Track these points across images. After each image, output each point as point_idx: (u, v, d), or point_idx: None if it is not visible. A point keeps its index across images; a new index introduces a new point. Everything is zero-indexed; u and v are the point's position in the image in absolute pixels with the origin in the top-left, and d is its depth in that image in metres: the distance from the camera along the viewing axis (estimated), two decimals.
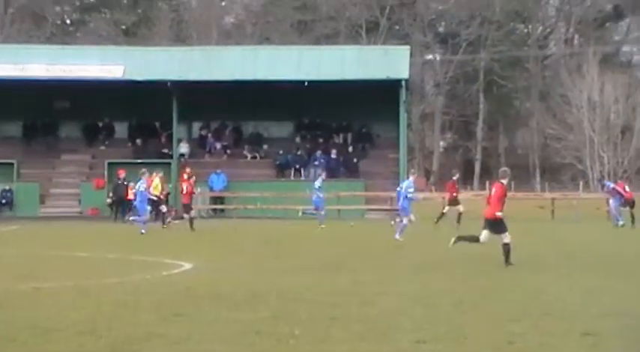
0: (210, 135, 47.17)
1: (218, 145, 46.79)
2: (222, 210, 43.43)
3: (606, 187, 37.15)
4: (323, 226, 32.51)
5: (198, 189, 39.03)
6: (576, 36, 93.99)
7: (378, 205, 42.94)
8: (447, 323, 10.36)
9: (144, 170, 31.64)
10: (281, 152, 45.38)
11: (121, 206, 39.69)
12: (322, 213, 34.39)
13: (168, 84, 42.55)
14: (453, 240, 18.54)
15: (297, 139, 46.56)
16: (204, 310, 11.37)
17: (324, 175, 37.44)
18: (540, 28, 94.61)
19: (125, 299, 12.43)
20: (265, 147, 46.32)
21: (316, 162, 44.33)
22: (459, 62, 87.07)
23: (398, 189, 28.30)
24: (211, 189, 43.02)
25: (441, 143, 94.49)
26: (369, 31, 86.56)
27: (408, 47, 50.16)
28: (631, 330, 9.96)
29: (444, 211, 33.90)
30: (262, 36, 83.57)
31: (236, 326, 10.10)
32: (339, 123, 47.21)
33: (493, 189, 18.44)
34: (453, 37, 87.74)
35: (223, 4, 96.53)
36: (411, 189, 26.23)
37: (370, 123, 46.64)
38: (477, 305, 11.86)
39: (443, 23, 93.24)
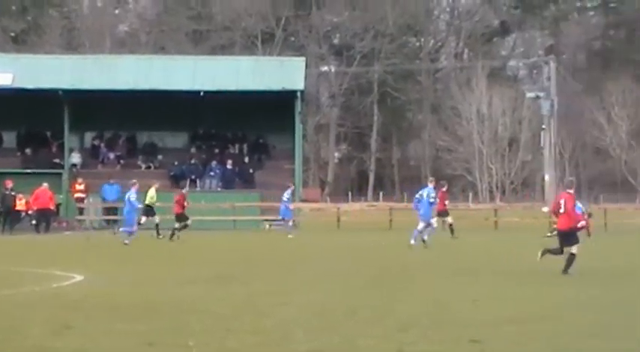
0: (103, 144, 46.50)
1: (111, 155, 46.14)
2: (115, 222, 42.80)
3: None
4: (291, 236, 33.15)
5: (90, 200, 38.45)
6: (466, 50, 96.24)
7: (274, 216, 43.02)
8: (341, 333, 10.48)
9: (134, 180, 31.24)
10: (176, 162, 45.05)
11: (9, 217, 38.74)
12: (290, 223, 35.67)
13: (60, 92, 41.78)
14: (539, 253, 18.29)
15: (193, 150, 46.31)
16: (96, 322, 11.23)
17: (292, 187, 38.37)
18: (432, 41, 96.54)
19: (14, 312, 12.18)
20: (160, 157, 45.90)
21: (211, 173, 44.17)
22: (353, 74, 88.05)
23: (417, 196, 28.78)
24: (104, 200, 42.38)
25: (336, 154, 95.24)
26: (265, 42, 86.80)
27: (303, 58, 50.52)
28: (517, 336, 10.26)
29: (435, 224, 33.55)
30: (157, 45, 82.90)
31: (129, 338, 10.02)
32: (234, 134, 47.16)
33: (562, 200, 17.90)
34: (348, 50, 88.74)
35: (117, 12, 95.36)
36: (433, 194, 27.67)
37: (266, 134, 46.74)
38: (371, 315, 12.03)
39: (338, 35, 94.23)
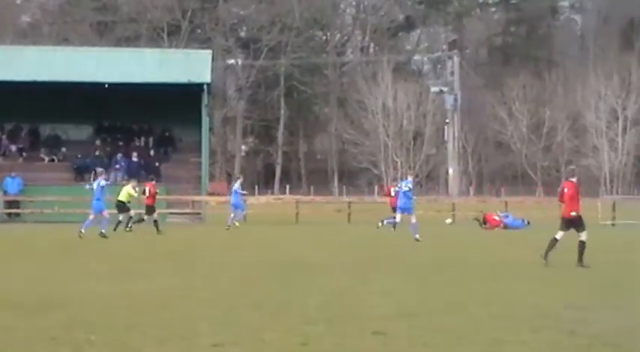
0: (4, 137, 45.44)
1: (13, 148, 45.13)
2: (17, 215, 41.91)
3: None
4: (237, 224, 34.06)
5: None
6: (372, 44, 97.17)
7: (180, 209, 42.73)
8: (245, 326, 10.54)
9: (101, 169, 32.06)
10: (80, 155, 44.32)
11: None
12: (241, 213, 36.61)
13: None
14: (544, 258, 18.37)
15: (97, 142, 45.64)
16: None
17: (241, 178, 39.59)
18: (338, 35, 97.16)
19: None
20: (63, 150, 45.08)
21: (117, 166, 43.60)
22: (260, 67, 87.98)
23: (397, 188, 28.57)
24: (5, 193, 41.48)
25: (243, 147, 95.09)
26: (171, 34, 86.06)
27: (209, 51, 50.21)
28: (420, 328, 10.47)
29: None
30: (60, 36, 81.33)
31: (29, 334, 9.89)
32: (140, 127, 46.65)
33: (565, 189, 18.68)
34: (255, 43, 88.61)
35: (19, 2, 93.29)
36: (410, 186, 27.24)
37: (172, 127, 46.35)
38: (276, 308, 12.10)
39: (244, 28, 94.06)
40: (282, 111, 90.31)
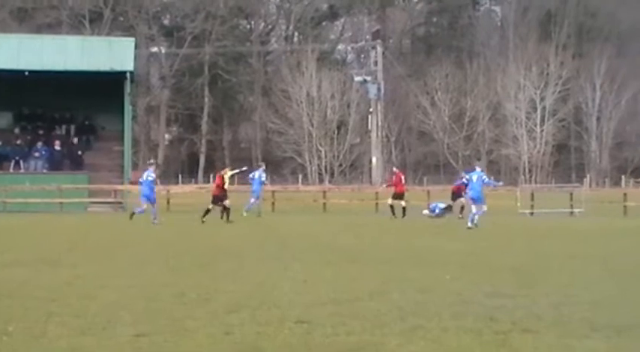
0: None
1: None
2: None
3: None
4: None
5: None
6: (296, 33, 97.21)
7: (102, 198, 42.25)
8: (168, 316, 10.49)
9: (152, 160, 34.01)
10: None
11: None
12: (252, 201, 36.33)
13: None
14: None
15: (17, 130, 44.79)
16: None
17: (263, 166, 39.16)
18: (262, 24, 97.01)
19: None
20: None
21: (37, 154, 42.88)
22: (184, 56, 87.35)
23: (465, 180, 29.61)
24: None
25: (167, 136, 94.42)
26: (93, 22, 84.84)
27: (132, 39, 49.64)
28: (342, 316, 10.55)
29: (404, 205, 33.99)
30: None
31: None
32: (61, 115, 45.93)
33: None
34: (178, 31, 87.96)
35: None
36: (484, 176, 28.83)
37: (94, 115, 45.74)
38: (198, 298, 12.06)
39: (168, 16, 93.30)
40: (207, 100, 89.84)
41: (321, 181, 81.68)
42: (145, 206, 31.30)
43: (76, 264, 16.54)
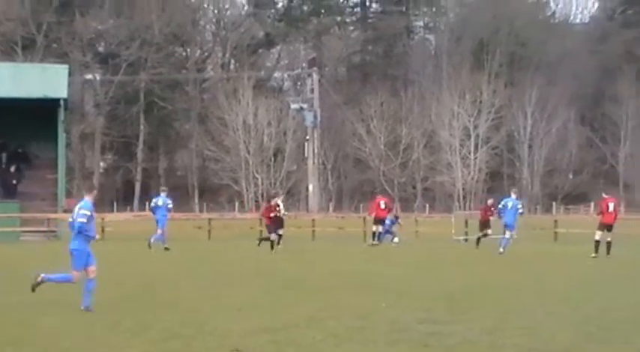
0: None
1: None
2: None
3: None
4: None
5: None
6: (232, 61, 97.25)
7: (35, 227, 41.59)
8: (104, 344, 10.44)
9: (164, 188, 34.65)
10: None
11: None
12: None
13: None
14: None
15: None
16: None
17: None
18: (198, 51, 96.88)
19: None
20: None
21: None
22: (119, 83, 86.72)
23: (500, 206, 29.69)
24: None
25: (102, 163, 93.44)
26: (26, 48, 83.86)
27: (66, 66, 49.11)
28: (277, 343, 10.60)
29: (481, 235, 33.18)
30: None
31: None
32: None
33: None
34: (113, 58, 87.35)
35: None
36: (519, 205, 29.75)
37: (27, 143, 45.03)
38: (134, 326, 12.01)
39: (103, 43, 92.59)
40: (142, 127, 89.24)
41: (258, 208, 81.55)
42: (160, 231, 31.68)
43: (12, 292, 16.30)
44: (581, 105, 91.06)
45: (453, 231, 39.17)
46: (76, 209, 13.88)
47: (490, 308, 14.26)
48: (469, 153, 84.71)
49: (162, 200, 32.64)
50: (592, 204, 66.31)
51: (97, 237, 14.42)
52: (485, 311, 13.77)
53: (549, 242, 37.60)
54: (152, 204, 33.20)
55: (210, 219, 45.73)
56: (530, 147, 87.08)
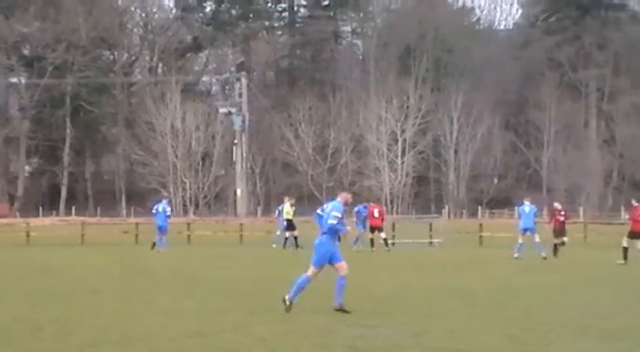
0: None
1: None
2: None
3: None
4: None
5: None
6: (160, 65, 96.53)
7: None
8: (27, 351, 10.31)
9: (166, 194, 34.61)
10: None
11: None
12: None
13: None
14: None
15: None
16: None
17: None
18: (126, 55, 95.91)
19: None
20: None
21: None
22: (45, 86, 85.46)
23: (520, 211, 29.69)
24: None
25: (27, 168, 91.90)
26: None
27: None
28: (205, 350, 10.59)
29: (558, 242, 30.96)
30: None
31: None
32: None
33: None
34: (39, 61, 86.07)
35: None
36: (535, 210, 29.65)
37: None
38: (57, 332, 11.86)
39: (28, 46, 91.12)
40: (68, 131, 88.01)
41: (186, 213, 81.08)
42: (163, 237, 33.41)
43: None
44: (506, 110, 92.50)
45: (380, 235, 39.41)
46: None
47: (416, 311, 14.43)
48: (396, 158, 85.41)
49: (162, 206, 33.96)
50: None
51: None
52: (411, 314, 13.93)
53: (474, 246, 38.13)
54: (154, 211, 34.44)
55: (137, 224, 45.29)
56: (456, 152, 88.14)
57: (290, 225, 35.50)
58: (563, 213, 31.64)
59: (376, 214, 35.45)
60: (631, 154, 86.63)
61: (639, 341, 11.40)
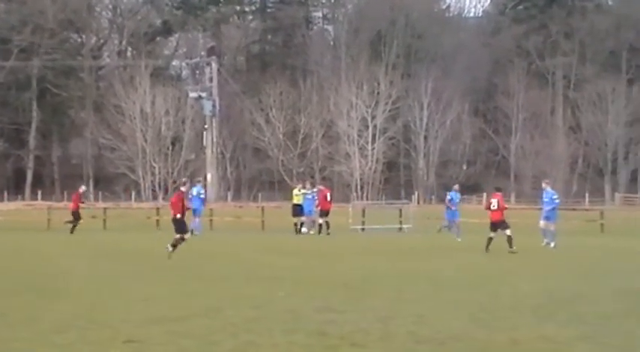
0: None
1: None
2: None
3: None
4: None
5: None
6: (129, 48, 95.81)
7: None
8: None
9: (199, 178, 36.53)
10: None
11: None
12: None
13: None
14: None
15: None
16: None
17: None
18: (94, 38, 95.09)
19: None
20: None
21: None
22: (11, 68, 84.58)
23: (546, 199, 29.11)
24: None
25: None
26: None
27: None
28: (172, 334, 10.52)
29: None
30: None
31: None
32: None
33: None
34: (5, 43, 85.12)
35: None
36: (555, 196, 29.55)
37: None
38: (23, 318, 11.76)
39: None
40: (35, 115, 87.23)
41: (155, 198, 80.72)
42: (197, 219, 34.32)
43: None
44: (475, 97, 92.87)
45: (350, 221, 39.53)
46: None
47: (385, 296, 14.46)
48: (367, 144, 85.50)
49: (196, 190, 34.55)
50: (484, 194, 67.74)
51: None
52: (380, 300, 13.95)
53: (443, 231, 38.29)
54: (189, 195, 34.81)
55: (105, 209, 45.12)
56: (425, 138, 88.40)
57: (300, 210, 35.46)
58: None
59: (328, 197, 35.71)
60: (595, 142, 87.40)
61: (600, 324, 11.51)
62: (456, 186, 33.97)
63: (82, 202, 37.22)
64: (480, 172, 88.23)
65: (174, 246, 22.18)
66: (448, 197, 33.63)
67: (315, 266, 20.19)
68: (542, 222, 28.76)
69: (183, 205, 22.71)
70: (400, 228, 39.07)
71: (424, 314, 12.31)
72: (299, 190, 36.19)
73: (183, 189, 23.91)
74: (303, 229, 35.58)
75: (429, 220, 41.91)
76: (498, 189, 27.49)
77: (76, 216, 35.44)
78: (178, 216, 22.49)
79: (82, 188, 37.87)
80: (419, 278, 17.62)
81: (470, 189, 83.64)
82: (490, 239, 25.35)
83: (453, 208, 32.97)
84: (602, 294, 14.87)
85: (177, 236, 22.43)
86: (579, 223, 38.29)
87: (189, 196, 35.39)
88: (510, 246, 24.87)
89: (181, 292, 14.90)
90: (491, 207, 25.95)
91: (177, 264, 20.51)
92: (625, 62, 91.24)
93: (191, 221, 33.92)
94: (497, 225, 25.53)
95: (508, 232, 25.29)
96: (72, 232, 34.64)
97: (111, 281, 16.67)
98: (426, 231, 37.40)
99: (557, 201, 29.61)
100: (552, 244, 27.85)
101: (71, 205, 36.28)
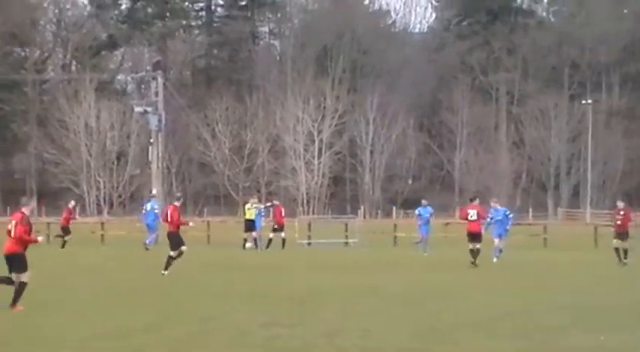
0: None
1: None
2: None
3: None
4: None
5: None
6: (74, 62, 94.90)
7: None
8: None
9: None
10: None
11: None
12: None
13: None
14: None
15: None
16: None
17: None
18: (38, 52, 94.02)
19: None
20: None
21: None
22: None
23: (499, 217, 28.31)
24: None
25: None
26: None
27: None
28: (118, 350, 10.49)
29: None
30: None
31: None
32: None
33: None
34: None
35: None
36: (509, 212, 29.37)
37: None
38: None
39: None
40: None
41: (100, 212, 79.95)
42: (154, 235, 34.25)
43: None
44: (420, 112, 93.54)
45: (296, 235, 39.54)
46: None
47: (332, 311, 14.54)
48: (313, 158, 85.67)
49: (150, 205, 34.25)
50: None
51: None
52: (327, 314, 14.02)
53: (389, 246, 38.52)
54: (143, 210, 35.84)
55: (49, 223, 44.47)
56: (371, 153, 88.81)
57: (252, 225, 35.09)
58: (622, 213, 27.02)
59: (283, 213, 35.82)
60: (538, 157, 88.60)
61: (541, 339, 11.71)
62: (424, 201, 33.55)
63: (74, 218, 37.02)
64: (425, 187, 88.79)
65: (166, 267, 22.01)
66: (416, 212, 33.39)
67: (263, 280, 20.20)
68: (496, 240, 28.27)
69: (178, 219, 22.71)
70: (346, 243, 39.17)
71: (369, 328, 12.42)
72: (251, 205, 35.89)
73: (177, 203, 23.79)
74: (248, 244, 35.45)
75: (374, 235, 42.10)
76: (474, 199, 26.83)
77: (66, 231, 35.05)
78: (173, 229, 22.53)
79: (72, 203, 37.17)
80: (365, 292, 17.74)
81: (415, 203, 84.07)
82: (472, 251, 25.30)
83: (419, 223, 32.60)
84: (544, 309, 15.12)
85: (171, 252, 22.30)
86: (523, 237, 38.75)
87: (143, 211, 35.56)
88: (474, 259, 24.99)
89: (123, 308, 14.80)
90: (470, 218, 25.48)
91: (120, 279, 20.37)
92: (567, 78, 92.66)
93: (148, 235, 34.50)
94: (475, 236, 25.31)
95: (479, 246, 25.31)
96: (62, 247, 34.26)
97: (51, 296, 16.50)
98: (372, 245, 37.58)
99: (511, 216, 29.56)
100: (495, 259, 28.08)
101: (61, 220, 36.02)
